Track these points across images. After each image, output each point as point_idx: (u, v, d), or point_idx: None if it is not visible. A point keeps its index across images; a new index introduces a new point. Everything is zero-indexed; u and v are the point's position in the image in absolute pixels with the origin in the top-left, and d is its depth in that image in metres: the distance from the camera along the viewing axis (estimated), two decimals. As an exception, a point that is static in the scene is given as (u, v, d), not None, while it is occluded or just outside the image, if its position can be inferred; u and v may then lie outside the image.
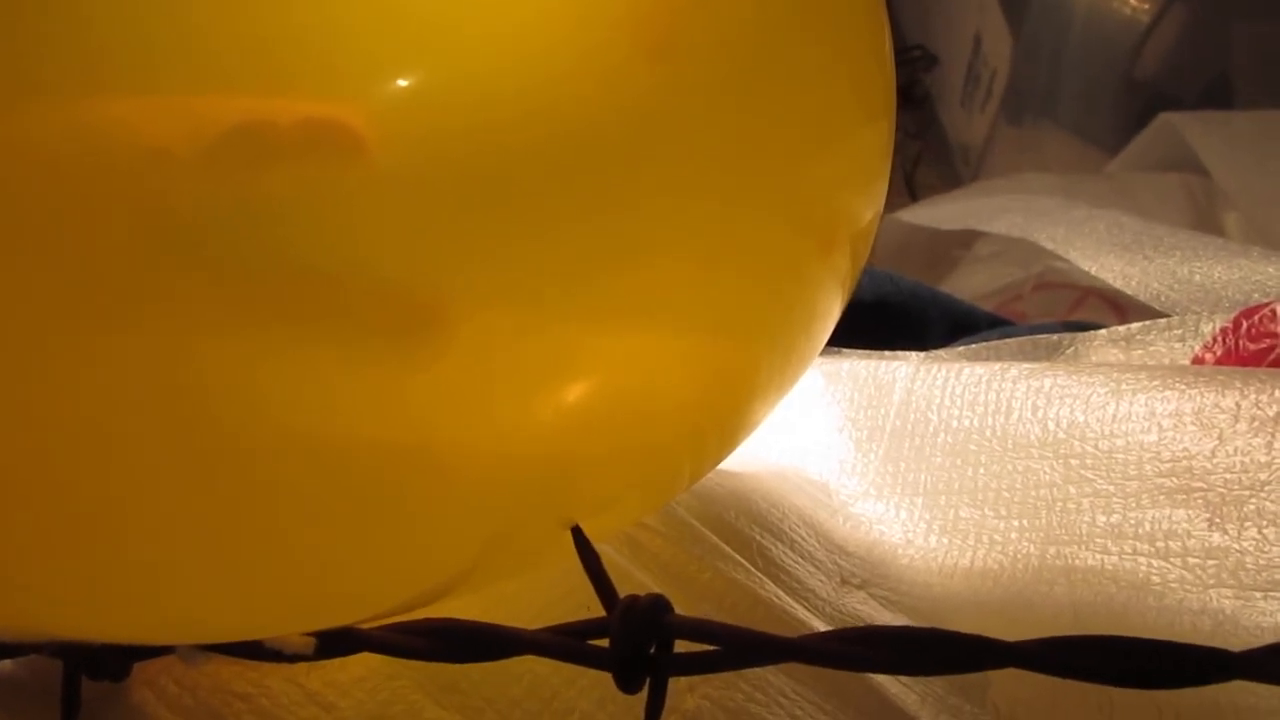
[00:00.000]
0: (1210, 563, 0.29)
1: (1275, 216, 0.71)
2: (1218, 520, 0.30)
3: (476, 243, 0.17)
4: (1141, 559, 0.30)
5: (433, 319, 0.17)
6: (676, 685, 0.25)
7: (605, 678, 0.20)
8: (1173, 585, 0.29)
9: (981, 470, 0.36)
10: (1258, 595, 0.28)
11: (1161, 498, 0.31)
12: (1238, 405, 0.32)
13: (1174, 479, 0.32)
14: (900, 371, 0.41)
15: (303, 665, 0.24)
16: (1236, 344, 0.40)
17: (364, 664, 0.24)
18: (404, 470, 0.19)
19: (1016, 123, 1.07)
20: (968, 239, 0.85)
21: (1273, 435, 0.31)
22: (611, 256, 0.19)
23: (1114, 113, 0.98)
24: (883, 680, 0.28)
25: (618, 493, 0.23)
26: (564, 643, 0.21)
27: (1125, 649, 0.18)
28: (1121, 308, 0.69)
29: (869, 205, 0.24)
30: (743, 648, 0.20)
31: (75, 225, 0.16)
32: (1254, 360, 0.39)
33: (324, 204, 0.16)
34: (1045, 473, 0.34)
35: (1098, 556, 0.31)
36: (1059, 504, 0.33)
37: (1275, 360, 0.38)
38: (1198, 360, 0.42)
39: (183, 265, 0.16)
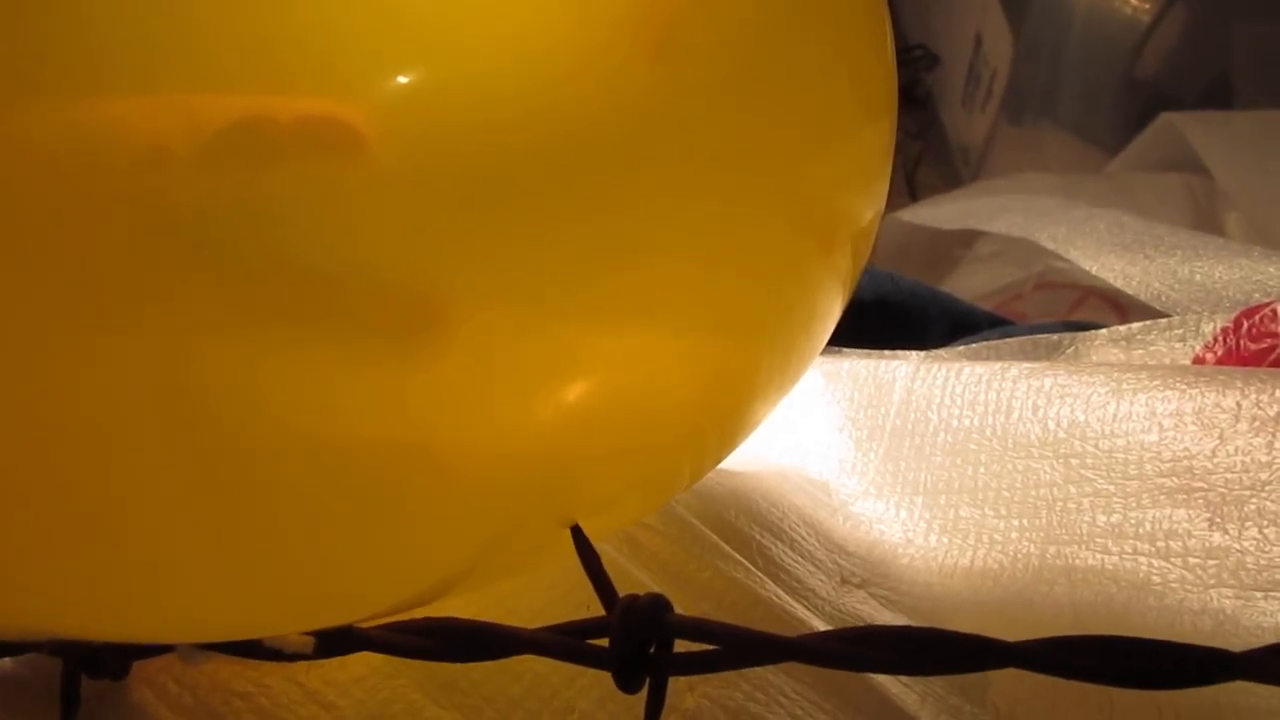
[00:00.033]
0: (1211, 563, 0.29)
1: (1275, 216, 0.71)
2: (1218, 520, 0.30)
3: (476, 243, 0.17)
4: (1142, 559, 0.30)
5: (433, 319, 0.17)
6: (676, 684, 0.25)
7: (605, 677, 0.20)
8: (1173, 585, 0.29)
9: (981, 470, 0.36)
10: (1258, 595, 0.28)
11: (1162, 497, 0.31)
12: (1238, 405, 0.32)
13: (1174, 479, 0.32)
14: (900, 371, 0.41)
15: (302, 664, 0.24)
16: (1237, 344, 0.40)
17: (364, 663, 0.24)
18: (404, 470, 0.19)
19: (1017, 123, 1.07)
20: (968, 239, 0.85)
21: (1273, 435, 0.31)
22: (611, 256, 0.19)
23: (1114, 113, 0.98)
24: (883, 680, 0.28)
25: (618, 492, 0.23)
26: (564, 642, 0.21)
27: (1125, 649, 0.18)
28: (1122, 307, 0.69)
29: (869, 205, 0.24)
30: (742, 647, 0.20)
31: (75, 225, 0.16)
32: (1255, 360, 0.39)
33: (324, 203, 0.16)
34: (1045, 472, 0.34)
35: (1098, 556, 0.31)
36: (1059, 503, 0.33)
37: (1276, 360, 0.38)
38: (1198, 360, 0.42)
39: (183, 265, 0.16)
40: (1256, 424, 0.31)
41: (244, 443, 0.17)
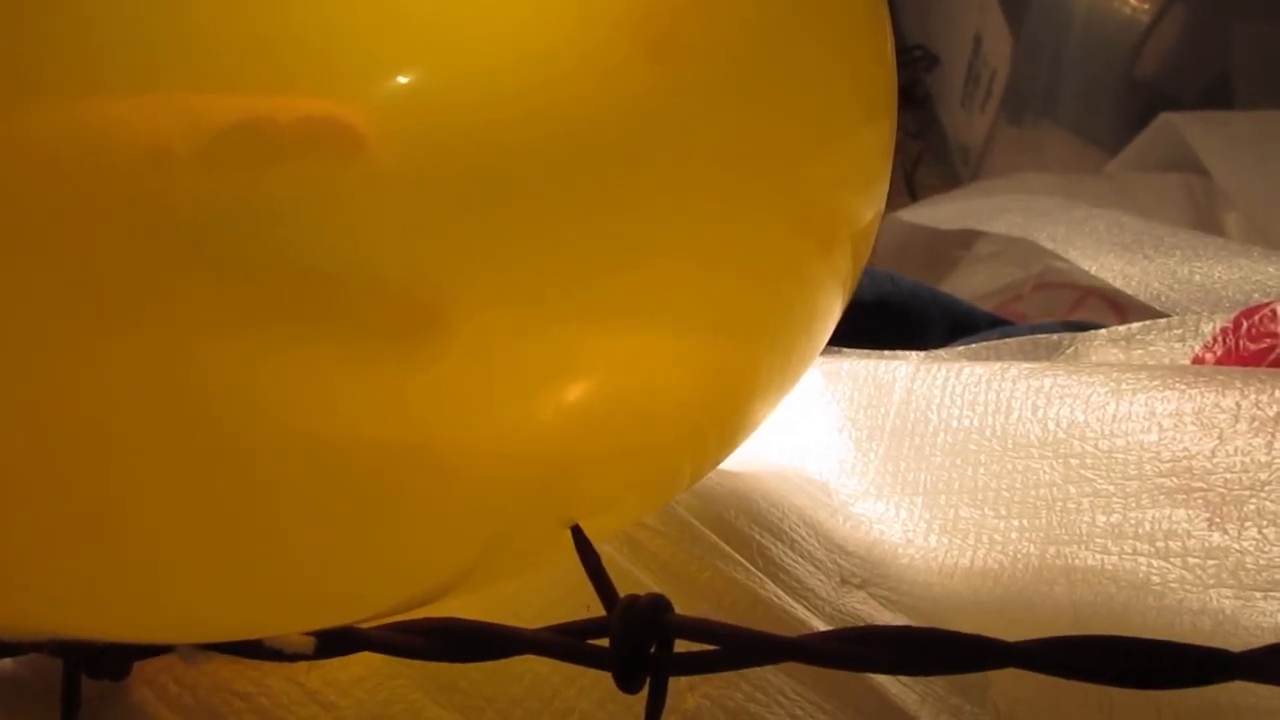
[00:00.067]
0: (1210, 563, 0.29)
1: (1275, 216, 0.71)
2: (1218, 520, 0.30)
3: (476, 243, 0.17)
4: (1141, 559, 0.30)
5: (433, 319, 0.17)
6: (676, 685, 0.25)
7: (605, 677, 0.20)
8: (1173, 585, 0.29)
9: (981, 470, 0.36)
10: (1258, 595, 0.28)
11: (1161, 497, 0.31)
12: (1238, 405, 0.32)
13: (1174, 479, 0.32)
14: (900, 371, 0.41)
15: (303, 664, 0.24)
16: (1237, 344, 0.40)
17: (364, 663, 0.24)
18: (404, 470, 0.19)
19: (1016, 123, 1.07)
20: (968, 239, 0.85)
21: (1273, 435, 0.31)
22: (611, 256, 0.19)
23: (1114, 113, 0.98)
24: (883, 680, 0.28)
25: (618, 493, 0.23)
26: (564, 642, 0.21)
27: (1125, 649, 0.18)
28: (1121, 307, 0.69)
29: (869, 205, 0.24)
30: (742, 647, 0.20)
31: (75, 225, 0.16)
32: (1254, 360, 0.39)
33: (324, 203, 0.16)
34: (1045, 472, 0.34)
35: (1098, 556, 0.31)
36: (1059, 504, 0.33)
37: (1275, 360, 0.38)
38: (1198, 360, 0.42)
39: (183, 265, 0.16)
40: (1256, 424, 0.31)
41: (244, 443, 0.17)
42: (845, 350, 0.45)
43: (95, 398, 0.17)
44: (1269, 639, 0.17)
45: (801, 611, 0.30)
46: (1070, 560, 0.31)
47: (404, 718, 0.24)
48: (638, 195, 0.19)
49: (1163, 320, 0.45)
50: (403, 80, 0.16)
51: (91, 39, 0.16)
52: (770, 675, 0.27)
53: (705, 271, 0.20)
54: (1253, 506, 0.30)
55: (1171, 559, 0.30)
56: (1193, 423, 0.32)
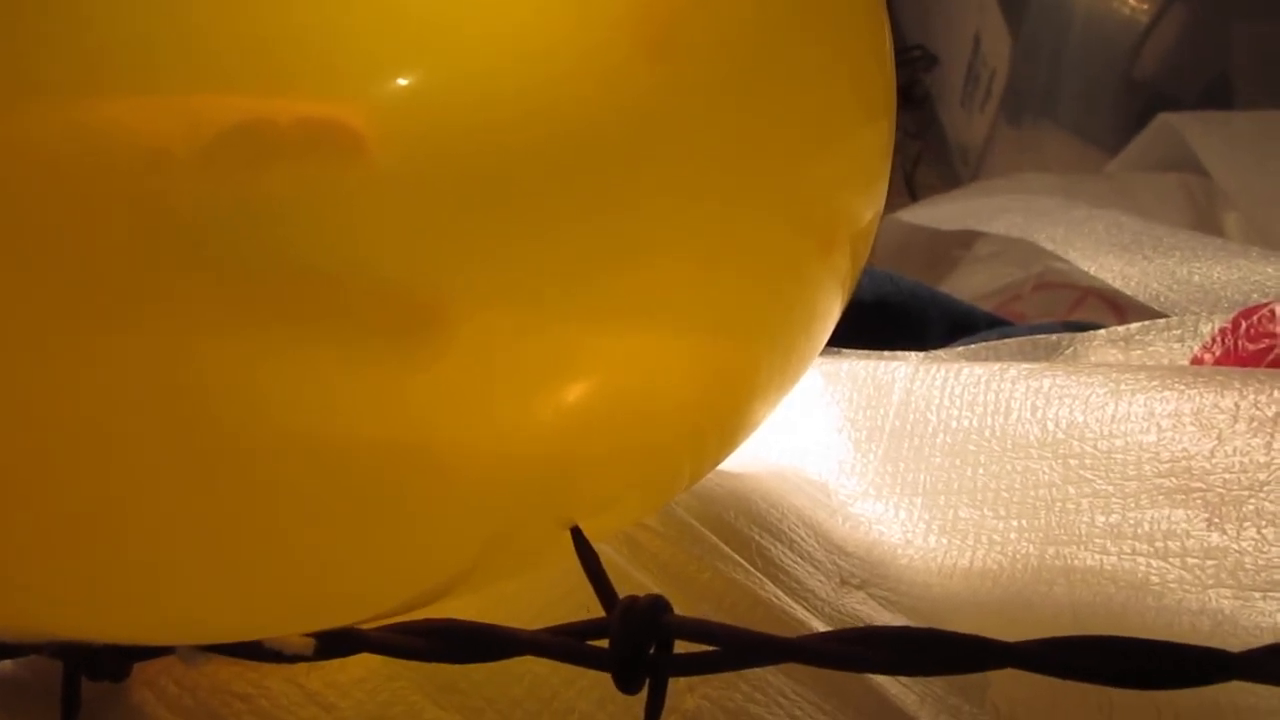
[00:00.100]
0: (1209, 563, 0.29)
1: (1275, 216, 0.71)
2: (1216, 520, 0.30)
3: (476, 243, 0.17)
4: (1140, 559, 0.30)
5: (433, 319, 0.17)
6: (676, 685, 0.25)
7: (605, 678, 0.20)
8: (1172, 585, 0.29)
9: (980, 470, 0.36)
10: (1257, 595, 0.28)
11: (1160, 498, 0.31)
12: (1236, 405, 0.32)
13: (1173, 479, 0.32)
14: (899, 372, 0.41)
15: (302, 666, 0.24)
16: (1235, 344, 0.40)
17: (364, 664, 0.24)
18: (404, 470, 0.19)
19: (1016, 123, 1.07)
20: (967, 239, 0.85)
21: (1271, 435, 0.31)
22: (611, 256, 0.19)
23: (1114, 113, 0.98)
24: (882, 680, 0.28)
25: (617, 493, 0.23)
26: (563, 643, 0.21)
27: (1124, 649, 0.18)
28: (1121, 308, 0.69)
29: (869, 205, 0.24)
30: (742, 648, 0.20)
31: (75, 225, 0.16)
32: (1253, 360, 0.39)
33: (324, 204, 0.16)
34: (1044, 473, 0.34)
35: (1097, 557, 0.31)
36: (1058, 504, 0.33)
37: (1274, 360, 0.38)
38: (1197, 360, 0.42)
39: (182, 265, 0.16)
40: (1254, 424, 0.31)
41: (244, 443, 0.17)
42: (845, 351, 0.45)
43: (95, 398, 0.17)
44: (1268, 639, 0.17)
45: (801, 612, 0.30)
46: (1069, 560, 0.31)
47: (404, 719, 0.24)
48: (637, 195, 0.19)
49: (1162, 321, 0.45)
50: (403, 81, 0.16)
51: (91, 39, 0.16)
52: (769, 676, 0.27)
53: (705, 271, 0.20)
54: (1251, 507, 0.30)
55: (1170, 559, 0.30)
56: (1191, 423, 0.33)
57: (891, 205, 0.55)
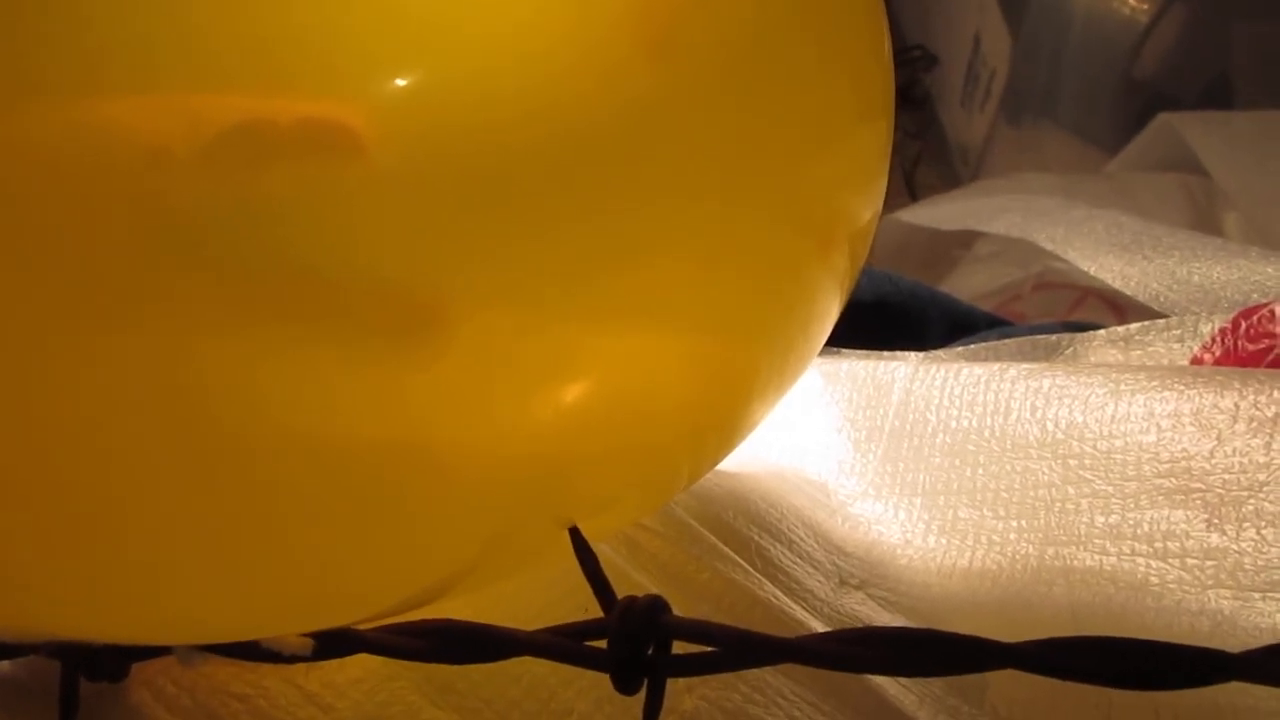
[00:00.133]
0: (1209, 563, 0.29)
1: (1275, 216, 0.71)
2: (1216, 521, 0.30)
3: (476, 243, 0.17)
4: (1140, 560, 0.30)
5: (433, 319, 0.17)
6: (675, 686, 0.25)
7: (603, 679, 0.20)
8: (1171, 586, 0.29)
9: (980, 471, 0.36)
10: (1256, 596, 0.28)
11: (1160, 498, 0.31)
12: (1236, 406, 0.32)
13: (1172, 479, 0.32)
14: (899, 372, 0.41)
15: (300, 666, 0.24)
16: (1235, 344, 0.40)
17: (362, 665, 0.24)
18: (404, 470, 0.19)
19: (1016, 123, 1.07)
20: (967, 239, 0.85)
21: (1271, 436, 0.31)
22: (611, 256, 0.19)
23: (1114, 113, 0.98)
24: (881, 681, 0.28)
25: (617, 493, 0.23)
26: (562, 644, 0.21)
27: (1123, 650, 0.18)
28: (1120, 308, 0.69)
29: (868, 205, 0.24)
30: (741, 648, 0.20)
31: (75, 224, 0.16)
32: (1253, 361, 0.39)
33: (324, 204, 0.16)
34: (1044, 473, 0.34)
35: (1096, 557, 0.31)
36: (1057, 504, 0.33)
37: (1274, 361, 0.38)
38: (1196, 361, 0.42)
39: (182, 265, 0.16)
40: (1254, 425, 0.31)
41: (244, 443, 0.17)
42: (844, 351, 0.45)
43: (95, 397, 0.17)
44: (1267, 639, 0.17)
45: (800, 612, 0.30)
46: (1069, 561, 0.31)
47: (401, 719, 0.24)
48: (637, 195, 0.19)
49: (1161, 321, 0.45)
50: (402, 81, 0.16)
51: (91, 39, 0.16)
52: (768, 676, 0.27)
53: (703, 271, 0.20)
54: (1251, 507, 0.30)
55: (1170, 560, 0.30)
56: (1191, 423, 0.33)
57: (891, 205, 0.55)
